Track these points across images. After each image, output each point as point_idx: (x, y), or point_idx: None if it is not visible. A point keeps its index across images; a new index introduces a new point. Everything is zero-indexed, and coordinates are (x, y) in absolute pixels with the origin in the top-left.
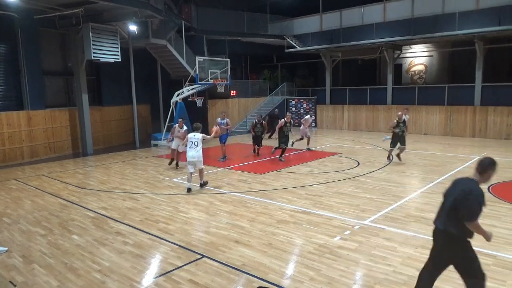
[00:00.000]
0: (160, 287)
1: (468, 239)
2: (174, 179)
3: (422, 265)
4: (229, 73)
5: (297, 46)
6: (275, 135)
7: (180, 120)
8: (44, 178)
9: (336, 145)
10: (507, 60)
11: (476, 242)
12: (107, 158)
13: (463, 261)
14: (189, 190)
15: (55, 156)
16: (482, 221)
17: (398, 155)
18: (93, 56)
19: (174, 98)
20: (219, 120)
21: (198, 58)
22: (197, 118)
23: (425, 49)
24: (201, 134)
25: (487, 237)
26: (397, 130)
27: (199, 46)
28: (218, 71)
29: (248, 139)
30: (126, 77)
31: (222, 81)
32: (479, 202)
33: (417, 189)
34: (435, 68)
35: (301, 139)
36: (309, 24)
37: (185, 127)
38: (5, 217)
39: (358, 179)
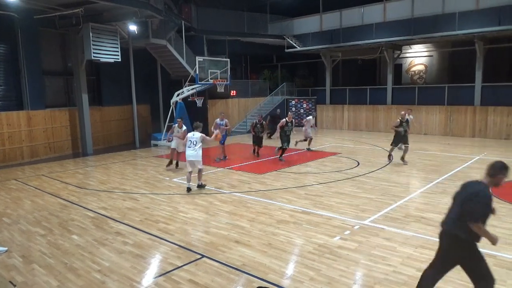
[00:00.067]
0: (160, 287)
1: (475, 242)
2: (174, 179)
3: (422, 265)
4: (229, 73)
5: (297, 46)
6: (276, 134)
7: (179, 119)
8: (44, 178)
9: (336, 145)
10: (507, 60)
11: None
12: (107, 158)
13: (469, 264)
14: (188, 189)
15: (55, 156)
16: None
17: (402, 158)
18: (93, 56)
19: (174, 98)
20: (218, 121)
21: (198, 58)
22: (197, 118)
23: (425, 49)
24: (201, 134)
25: (493, 240)
26: (400, 129)
27: (199, 46)
28: (218, 71)
29: (248, 139)
30: (126, 77)
31: (222, 81)
32: (484, 204)
33: (417, 189)
34: (435, 68)
35: (305, 140)
36: (309, 24)
37: (184, 127)
38: (5, 217)
39: (358, 179)
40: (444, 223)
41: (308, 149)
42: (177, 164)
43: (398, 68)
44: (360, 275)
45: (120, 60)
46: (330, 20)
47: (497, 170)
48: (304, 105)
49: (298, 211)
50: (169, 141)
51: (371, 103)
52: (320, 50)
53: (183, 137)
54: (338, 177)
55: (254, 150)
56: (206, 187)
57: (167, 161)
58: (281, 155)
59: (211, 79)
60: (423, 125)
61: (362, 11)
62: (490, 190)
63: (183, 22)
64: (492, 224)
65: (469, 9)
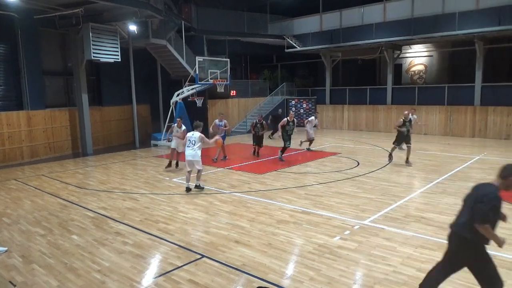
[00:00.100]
0: (160, 287)
1: (483, 244)
2: (174, 179)
3: (421, 265)
4: (229, 73)
5: (297, 46)
6: (278, 133)
7: (178, 119)
8: (44, 178)
9: (336, 145)
10: (507, 60)
11: None
12: (107, 158)
13: (477, 266)
14: (187, 189)
15: (55, 156)
16: None
17: (407, 160)
18: (93, 56)
19: (174, 98)
20: (217, 121)
21: (198, 58)
22: (197, 118)
23: (425, 49)
24: (200, 134)
25: (499, 242)
26: (403, 129)
27: (199, 46)
28: (218, 71)
29: (247, 139)
30: (126, 77)
31: (222, 81)
32: (492, 206)
33: (417, 189)
34: (435, 68)
35: (312, 140)
36: (309, 24)
37: (183, 127)
38: (5, 217)
39: (358, 179)
40: (453, 225)
41: (308, 149)
42: (177, 164)
43: (398, 68)
44: (360, 275)
45: (120, 60)
46: (330, 20)
47: (509, 172)
48: (304, 105)
49: (298, 211)
50: (169, 141)
51: (371, 103)
52: (320, 50)
53: (183, 136)
54: (338, 177)
55: (254, 151)
56: (205, 187)
57: (167, 161)
58: (281, 154)
59: (211, 79)
60: (423, 126)
61: (362, 11)
62: (499, 193)
63: (183, 22)
64: None
65: (469, 9)
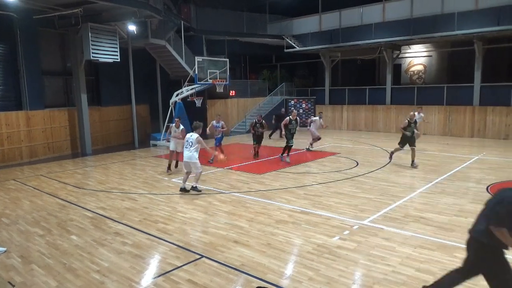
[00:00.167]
0: (159, 287)
1: (501, 249)
2: (173, 179)
3: (421, 265)
4: (228, 73)
5: (296, 46)
6: (282, 133)
7: (176, 119)
8: (42, 178)
9: (335, 145)
10: (506, 60)
11: None
12: (106, 158)
13: (493, 272)
14: (182, 189)
15: (54, 156)
16: None
17: (412, 162)
18: (92, 56)
19: (173, 98)
20: (214, 123)
21: (197, 58)
22: (196, 118)
23: (424, 49)
24: (197, 136)
25: None
26: (407, 133)
27: (198, 46)
28: (217, 71)
29: (247, 139)
30: (125, 77)
31: (221, 81)
32: (510, 210)
33: (416, 189)
34: (434, 68)
35: (318, 139)
36: (308, 24)
37: (181, 126)
38: (3, 218)
39: (357, 179)
40: (471, 230)
41: (308, 149)
42: (176, 164)
43: (397, 68)
44: (359, 275)
45: (119, 60)
46: (330, 20)
47: None
48: (303, 105)
49: (297, 211)
50: (167, 141)
51: (370, 103)
52: (320, 50)
53: (183, 136)
54: (337, 177)
55: (254, 151)
56: (203, 189)
57: (166, 161)
58: (282, 154)
59: (210, 79)
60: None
61: (361, 11)
62: None
63: (182, 22)
64: None
65: (468, 9)
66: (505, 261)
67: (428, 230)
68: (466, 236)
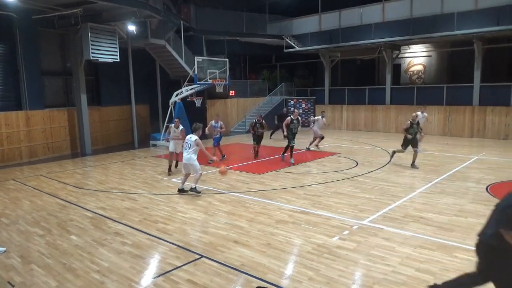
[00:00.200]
0: (159, 287)
1: (511, 253)
2: (173, 179)
3: (420, 265)
4: (228, 73)
5: (296, 46)
6: (284, 133)
7: (176, 120)
8: (42, 178)
9: (334, 145)
10: (506, 60)
11: (470, 241)
12: (105, 158)
13: (504, 276)
14: (180, 190)
15: (54, 156)
16: (479, 220)
17: (413, 163)
18: (92, 56)
19: (173, 98)
20: (213, 123)
21: (197, 58)
22: (196, 118)
23: (424, 49)
24: (197, 138)
25: None
26: (409, 136)
27: (198, 46)
28: (217, 71)
29: (247, 139)
30: (125, 77)
31: (221, 81)
32: None
33: (416, 189)
34: (433, 68)
35: (322, 138)
36: (308, 24)
37: (181, 127)
38: (3, 218)
39: (357, 179)
40: (480, 233)
41: (307, 149)
42: (176, 164)
43: (397, 68)
44: (359, 275)
45: (119, 60)
46: (329, 20)
47: None
48: (303, 105)
49: (297, 211)
50: (167, 142)
51: (370, 103)
52: (319, 50)
53: (183, 137)
54: (337, 177)
55: (254, 151)
56: (202, 190)
57: (166, 161)
58: (283, 153)
59: (210, 79)
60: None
61: (361, 11)
62: None
63: (182, 22)
64: None
65: (468, 9)
66: None
67: (428, 230)
68: (465, 236)
